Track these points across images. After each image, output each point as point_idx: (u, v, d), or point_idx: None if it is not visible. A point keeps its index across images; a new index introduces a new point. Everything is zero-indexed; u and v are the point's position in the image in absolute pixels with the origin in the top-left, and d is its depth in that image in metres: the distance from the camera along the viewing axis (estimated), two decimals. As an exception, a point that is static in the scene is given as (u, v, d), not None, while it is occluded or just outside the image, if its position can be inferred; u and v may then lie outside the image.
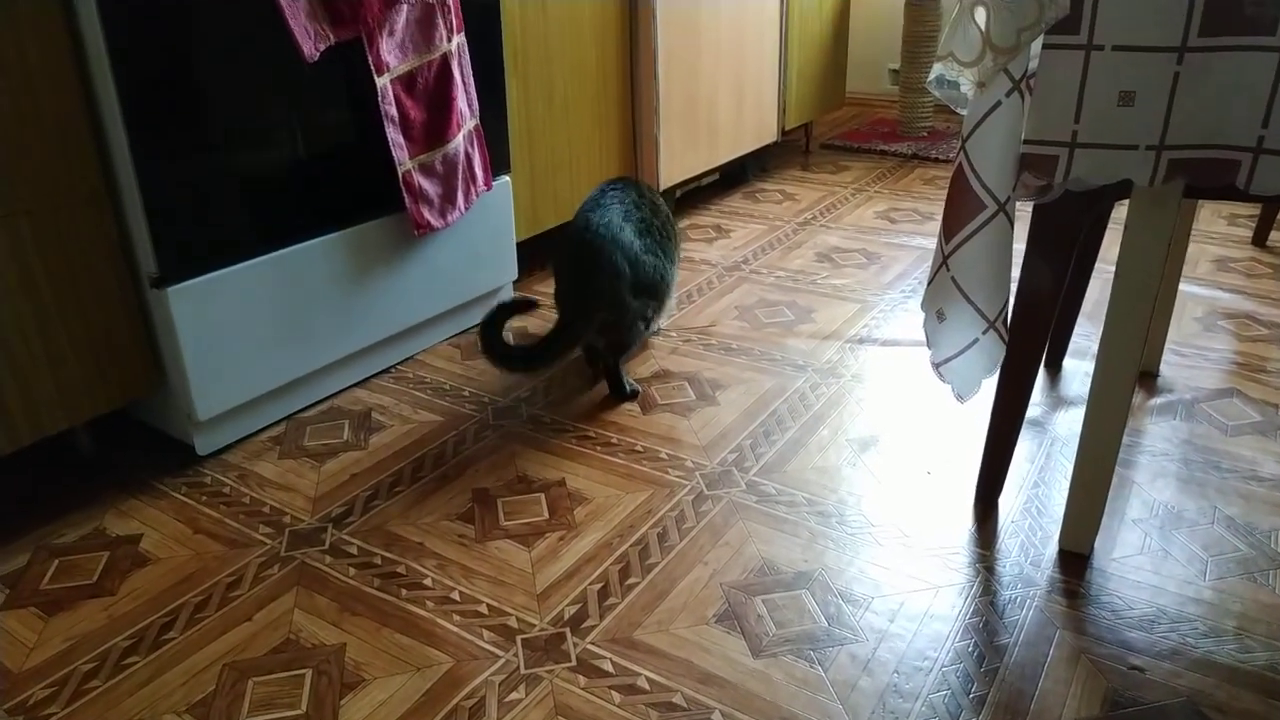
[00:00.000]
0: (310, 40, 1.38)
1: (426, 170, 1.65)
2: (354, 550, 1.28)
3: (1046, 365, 1.73)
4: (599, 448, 1.50)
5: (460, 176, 1.72)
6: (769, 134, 2.85)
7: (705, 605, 1.16)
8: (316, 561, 1.26)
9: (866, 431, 1.53)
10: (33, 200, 1.22)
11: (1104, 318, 1.10)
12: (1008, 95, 0.98)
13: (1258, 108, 0.93)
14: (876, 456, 1.46)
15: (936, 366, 1.14)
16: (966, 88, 0.99)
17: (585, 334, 1.57)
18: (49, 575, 1.24)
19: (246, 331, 1.46)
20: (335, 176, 1.55)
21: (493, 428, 1.57)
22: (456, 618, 1.15)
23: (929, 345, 1.14)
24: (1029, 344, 1.21)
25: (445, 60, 1.63)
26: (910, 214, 2.59)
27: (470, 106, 1.73)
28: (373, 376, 1.74)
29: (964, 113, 1.03)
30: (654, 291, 1.62)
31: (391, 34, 1.52)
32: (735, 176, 2.89)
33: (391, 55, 1.54)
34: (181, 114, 1.31)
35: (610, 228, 1.57)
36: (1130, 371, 1.12)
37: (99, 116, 1.27)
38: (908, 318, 1.95)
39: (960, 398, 1.13)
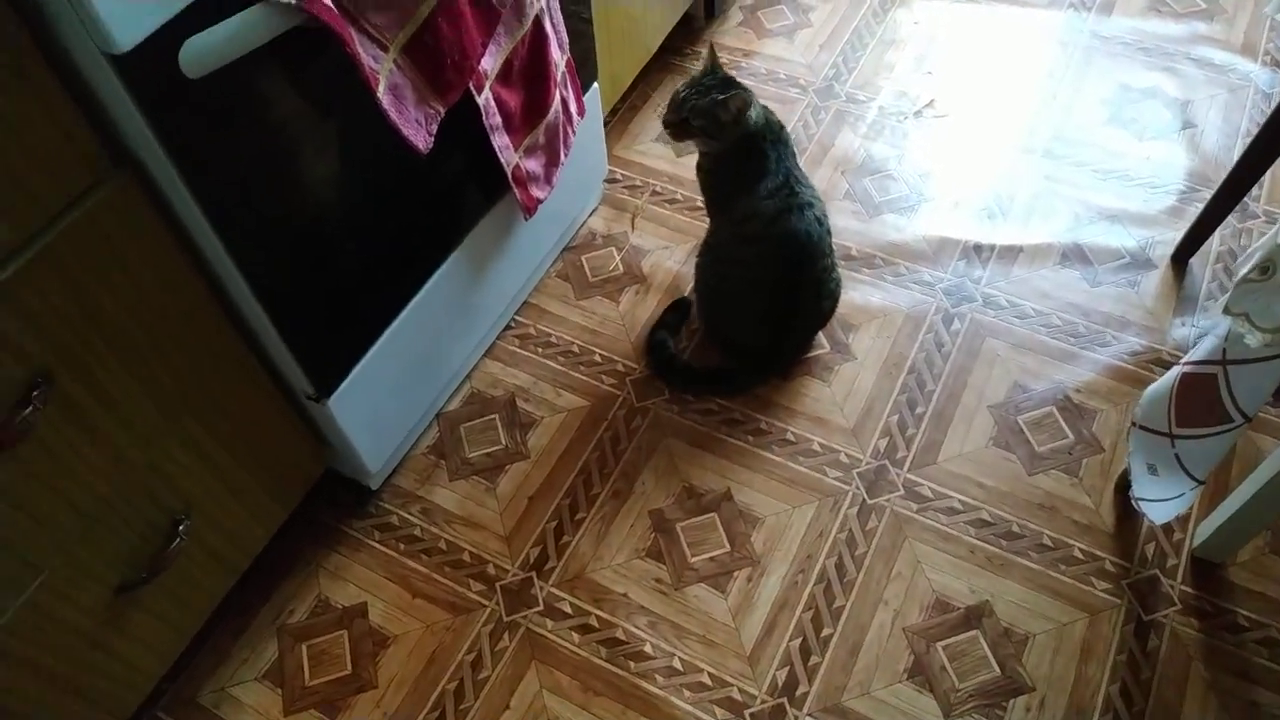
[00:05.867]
0: (422, 130, 1.13)
1: (530, 151, 1.44)
2: (568, 609, 1.42)
3: (1174, 260, 1.71)
4: (750, 437, 1.56)
5: (560, 132, 1.50)
6: None
7: (895, 659, 1.35)
8: (539, 628, 1.41)
9: (1006, 391, 1.57)
10: (198, 400, 1.13)
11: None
12: (1293, 354, 0.92)
13: None
14: (1018, 435, 1.53)
15: (1137, 500, 1.19)
16: (1252, 340, 0.91)
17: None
18: (307, 669, 1.40)
19: (395, 382, 1.42)
20: (441, 207, 1.38)
21: (639, 412, 1.60)
22: (687, 693, 1.34)
23: (1130, 478, 1.18)
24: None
25: (537, 21, 1.33)
26: (1009, -46, 2.24)
27: (562, 47, 1.44)
28: (497, 339, 1.70)
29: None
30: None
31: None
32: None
33: (487, 61, 1.26)
34: (294, 248, 1.15)
35: (822, 235, 1.48)
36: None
37: (222, 287, 1.11)
38: (1034, 194, 1.84)
39: (1154, 524, 1.20)
